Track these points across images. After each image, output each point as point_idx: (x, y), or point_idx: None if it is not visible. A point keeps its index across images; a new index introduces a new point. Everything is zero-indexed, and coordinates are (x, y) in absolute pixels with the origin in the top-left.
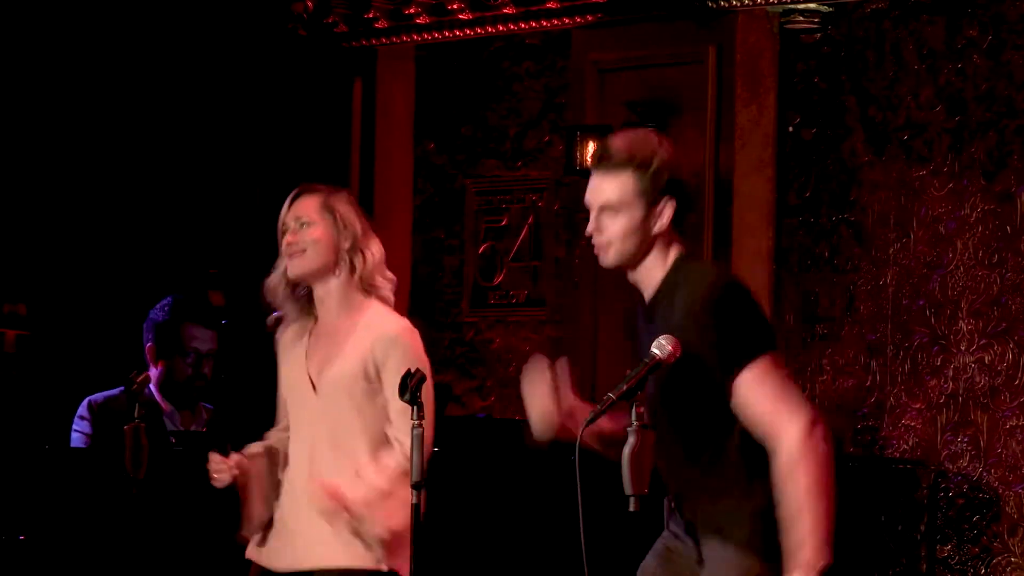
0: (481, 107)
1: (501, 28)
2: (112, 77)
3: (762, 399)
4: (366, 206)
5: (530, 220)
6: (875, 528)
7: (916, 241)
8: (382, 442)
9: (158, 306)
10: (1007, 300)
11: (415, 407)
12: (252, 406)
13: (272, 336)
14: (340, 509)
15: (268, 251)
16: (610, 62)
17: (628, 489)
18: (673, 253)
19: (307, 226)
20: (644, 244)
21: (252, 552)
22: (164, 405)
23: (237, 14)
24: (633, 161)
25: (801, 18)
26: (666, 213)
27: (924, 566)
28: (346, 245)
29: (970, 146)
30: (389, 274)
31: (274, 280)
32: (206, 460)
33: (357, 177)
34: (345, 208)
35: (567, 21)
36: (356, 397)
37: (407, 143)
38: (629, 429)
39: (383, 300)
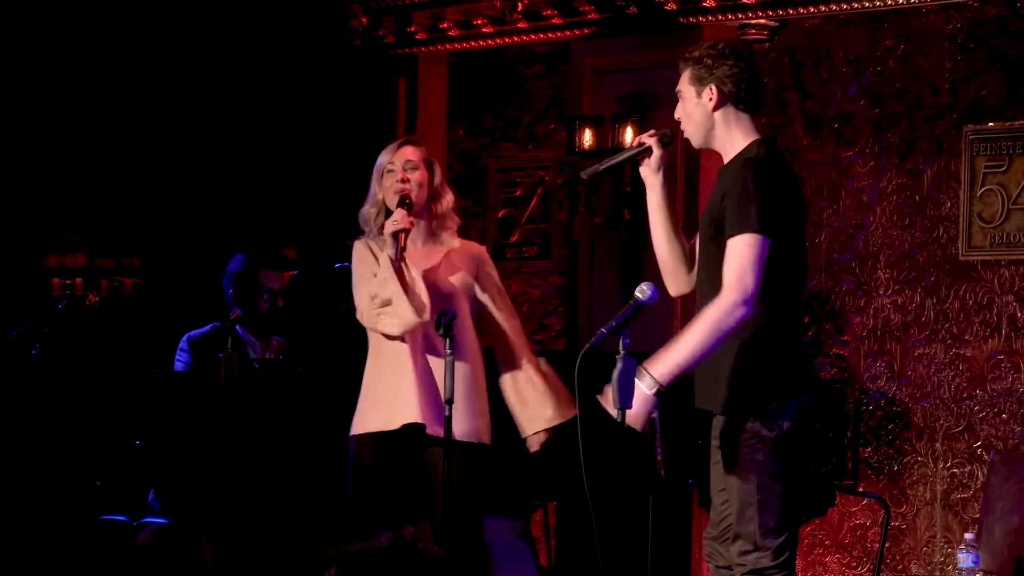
0: (500, 101)
1: (516, 39)
2: (218, 90)
3: (728, 266)
4: None
5: (539, 191)
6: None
7: (844, 208)
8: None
9: (233, 261)
10: (916, 254)
11: (448, 339)
12: (319, 339)
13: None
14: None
15: (332, 214)
16: (603, 66)
17: (616, 404)
18: (747, 137)
19: (415, 169)
20: (705, 121)
21: (377, 424)
22: (247, 337)
23: (311, 30)
24: (688, 59)
25: (753, 31)
26: (714, 96)
27: (850, 464)
28: (434, 190)
29: (887, 132)
30: (456, 217)
31: (370, 212)
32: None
33: None
34: (434, 159)
35: (568, 33)
36: (456, 299)
37: (442, 130)
38: (617, 356)
39: (451, 234)
